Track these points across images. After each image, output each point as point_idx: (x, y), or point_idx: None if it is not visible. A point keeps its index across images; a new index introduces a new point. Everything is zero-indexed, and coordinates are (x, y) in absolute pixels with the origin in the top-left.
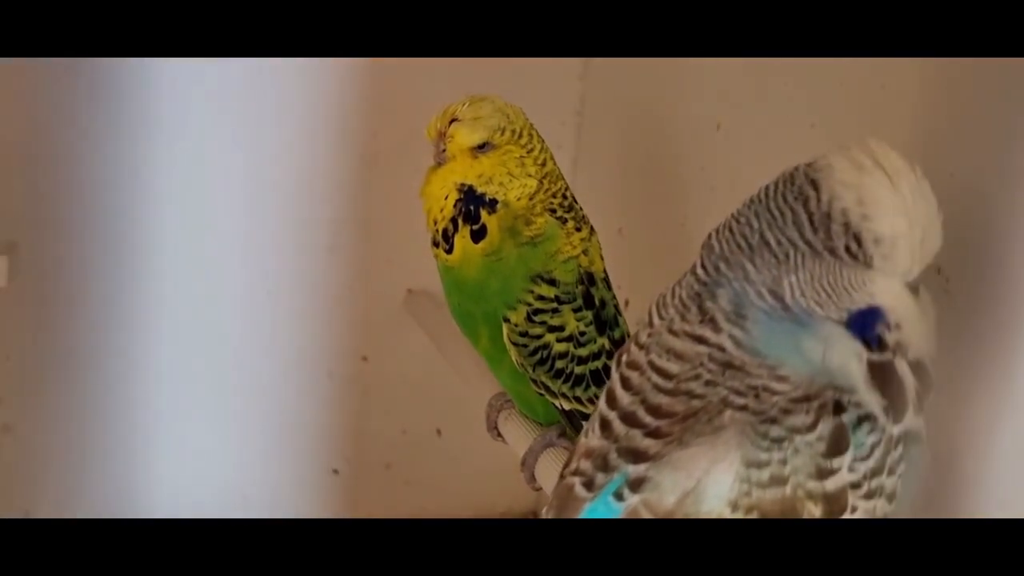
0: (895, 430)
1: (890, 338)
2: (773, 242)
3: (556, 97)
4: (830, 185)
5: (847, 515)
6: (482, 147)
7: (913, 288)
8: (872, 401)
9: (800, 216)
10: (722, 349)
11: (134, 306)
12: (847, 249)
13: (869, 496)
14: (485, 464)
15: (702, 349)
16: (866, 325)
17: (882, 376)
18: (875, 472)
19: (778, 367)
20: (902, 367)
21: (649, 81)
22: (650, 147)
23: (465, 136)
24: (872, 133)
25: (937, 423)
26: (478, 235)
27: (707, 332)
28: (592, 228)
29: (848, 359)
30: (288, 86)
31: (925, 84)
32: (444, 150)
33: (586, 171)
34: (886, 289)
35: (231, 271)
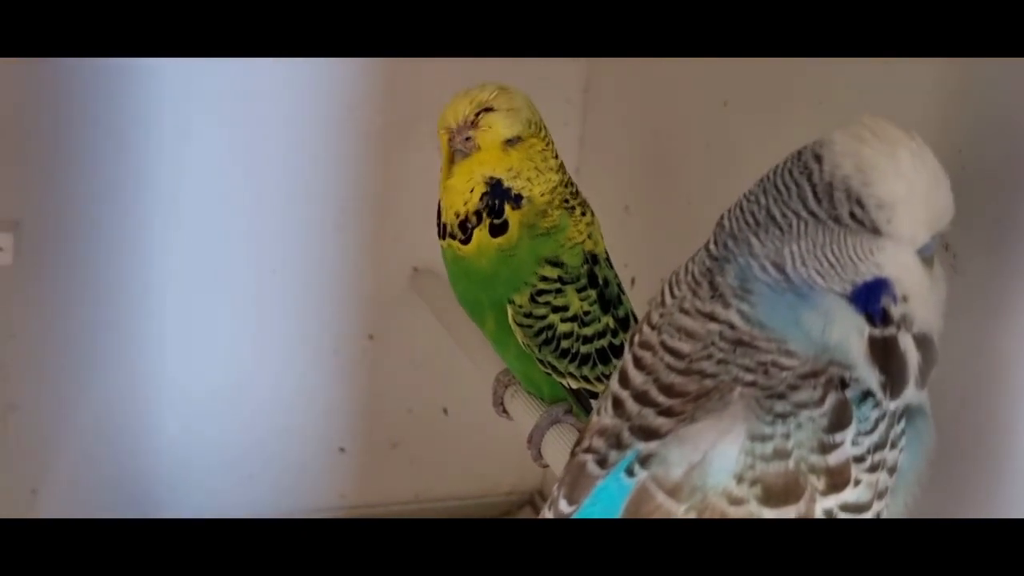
0: (893, 405)
1: (895, 311)
2: (778, 215)
3: (562, 75)
4: (831, 156)
5: (850, 488)
6: (512, 140)
7: (927, 260)
8: (870, 377)
9: (804, 188)
10: (732, 326)
11: (140, 284)
12: (852, 215)
13: (872, 469)
14: (491, 442)
15: (713, 327)
16: (871, 298)
17: (883, 352)
18: (878, 446)
19: (785, 342)
20: (905, 342)
21: (655, 59)
22: (656, 124)
23: (503, 128)
24: (879, 108)
25: (945, 398)
26: (498, 230)
27: (717, 308)
28: (592, 210)
29: (848, 334)
30: (301, 76)
31: (932, 60)
32: (469, 139)
33: (593, 149)
34: (895, 259)
35: (238, 250)
